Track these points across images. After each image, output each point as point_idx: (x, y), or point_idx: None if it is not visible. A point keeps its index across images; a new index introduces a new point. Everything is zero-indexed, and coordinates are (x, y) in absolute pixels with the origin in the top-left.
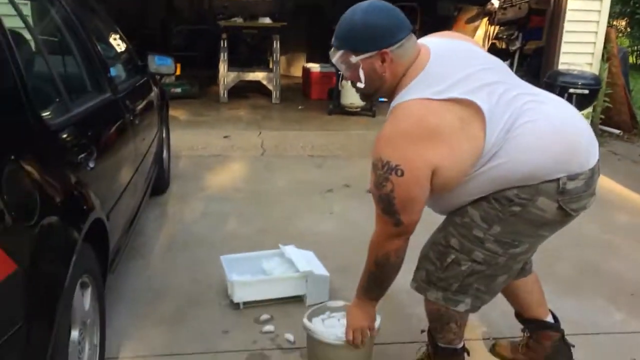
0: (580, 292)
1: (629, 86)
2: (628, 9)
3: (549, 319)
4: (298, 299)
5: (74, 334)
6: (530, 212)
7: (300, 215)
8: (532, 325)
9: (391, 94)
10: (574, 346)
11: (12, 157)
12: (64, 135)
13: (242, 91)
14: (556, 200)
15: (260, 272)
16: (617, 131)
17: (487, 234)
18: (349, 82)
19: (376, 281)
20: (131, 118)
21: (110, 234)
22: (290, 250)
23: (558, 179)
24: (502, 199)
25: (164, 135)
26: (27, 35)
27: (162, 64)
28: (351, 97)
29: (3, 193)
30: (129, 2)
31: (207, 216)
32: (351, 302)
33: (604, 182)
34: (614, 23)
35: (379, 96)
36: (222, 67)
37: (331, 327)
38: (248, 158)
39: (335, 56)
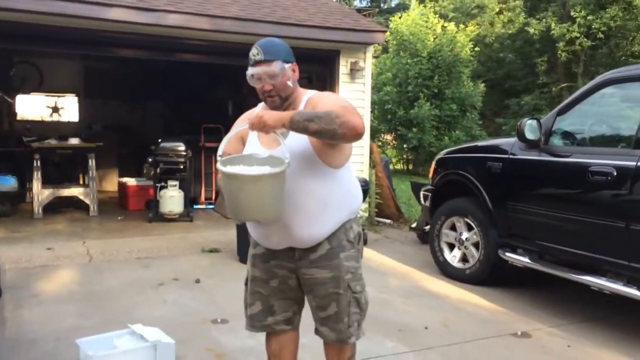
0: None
1: (393, 186)
2: (391, 126)
3: None
4: None
5: None
6: None
7: (138, 306)
8: None
9: (288, 104)
10: None
11: None
12: None
13: (56, 207)
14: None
15: (114, 349)
16: (388, 221)
17: (359, 269)
18: (270, 98)
19: (322, 128)
20: None
21: None
22: (138, 327)
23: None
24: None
25: None
26: None
27: None
28: (169, 205)
29: None
30: None
31: (46, 316)
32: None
33: (379, 258)
34: (385, 137)
35: (288, 103)
36: (36, 184)
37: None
38: (76, 265)
39: (272, 66)
